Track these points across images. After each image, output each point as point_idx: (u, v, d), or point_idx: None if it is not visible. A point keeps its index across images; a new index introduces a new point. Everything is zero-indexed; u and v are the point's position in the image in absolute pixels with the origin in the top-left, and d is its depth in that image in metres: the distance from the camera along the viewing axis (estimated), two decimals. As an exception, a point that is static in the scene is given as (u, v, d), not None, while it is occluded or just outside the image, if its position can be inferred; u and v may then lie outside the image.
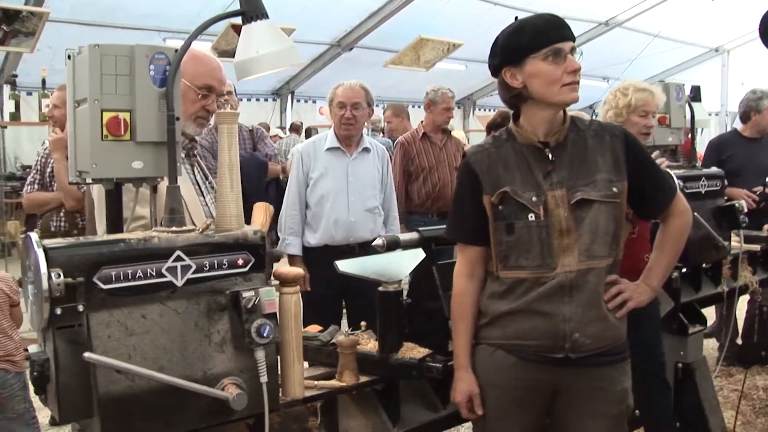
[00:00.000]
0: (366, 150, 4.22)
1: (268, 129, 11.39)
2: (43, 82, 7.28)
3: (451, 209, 2.40)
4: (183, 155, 2.51)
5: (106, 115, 1.76)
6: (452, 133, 5.77)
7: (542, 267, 2.14)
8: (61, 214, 4.19)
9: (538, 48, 2.11)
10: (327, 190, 4.12)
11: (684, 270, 3.54)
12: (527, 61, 2.13)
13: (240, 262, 1.79)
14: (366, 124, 4.57)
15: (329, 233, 4.09)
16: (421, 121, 5.59)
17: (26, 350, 1.85)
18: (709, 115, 14.87)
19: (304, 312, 4.19)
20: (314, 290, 4.07)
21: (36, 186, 4.30)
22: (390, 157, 4.71)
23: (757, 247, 3.99)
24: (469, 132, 14.25)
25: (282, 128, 12.58)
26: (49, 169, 4.24)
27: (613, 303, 2.19)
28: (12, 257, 7.66)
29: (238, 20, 2.04)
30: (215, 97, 2.46)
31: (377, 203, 4.21)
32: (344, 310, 4.34)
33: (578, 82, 2.13)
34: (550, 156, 2.18)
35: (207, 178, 2.62)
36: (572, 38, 2.15)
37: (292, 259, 4.17)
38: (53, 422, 3.77)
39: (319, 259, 4.03)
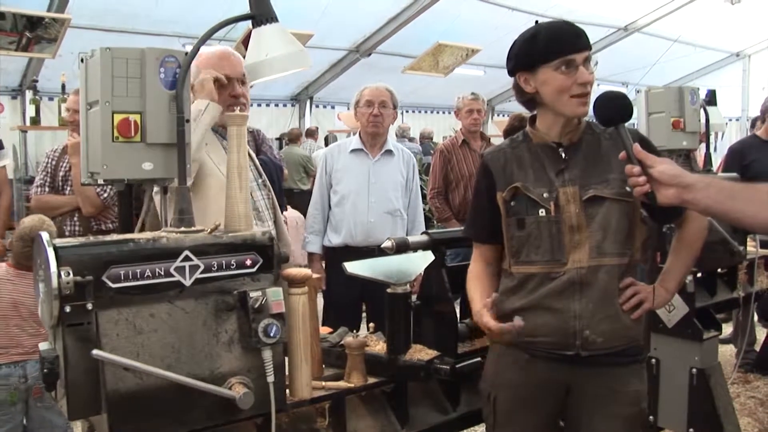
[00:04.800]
0: (389, 153, 4.28)
1: (300, 136, 11.45)
2: (63, 87, 7.37)
3: (469, 208, 2.44)
4: None
5: (117, 117, 1.79)
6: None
7: (552, 262, 2.16)
8: (75, 218, 4.14)
9: (551, 58, 2.12)
10: (348, 190, 4.19)
11: (699, 275, 3.52)
12: (540, 69, 2.15)
13: (248, 262, 1.80)
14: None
15: (349, 234, 4.15)
16: (459, 129, 5.60)
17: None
18: (730, 120, 14.81)
19: (324, 312, 4.28)
20: (334, 290, 4.14)
21: (46, 189, 4.23)
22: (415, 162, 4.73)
23: (773, 252, 3.95)
24: (491, 137, 14.21)
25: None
26: (61, 173, 4.19)
27: (628, 304, 2.19)
28: (32, 260, 7.73)
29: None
30: (235, 81, 2.55)
31: (399, 206, 4.25)
32: (363, 314, 4.37)
33: (588, 94, 2.14)
34: (563, 155, 2.21)
35: (261, 176, 2.79)
36: (587, 48, 2.16)
37: (311, 257, 4.29)
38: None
39: (339, 260, 4.05)
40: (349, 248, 4.12)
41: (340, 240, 4.19)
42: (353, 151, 4.25)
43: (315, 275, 4.09)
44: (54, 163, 4.24)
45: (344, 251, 4.10)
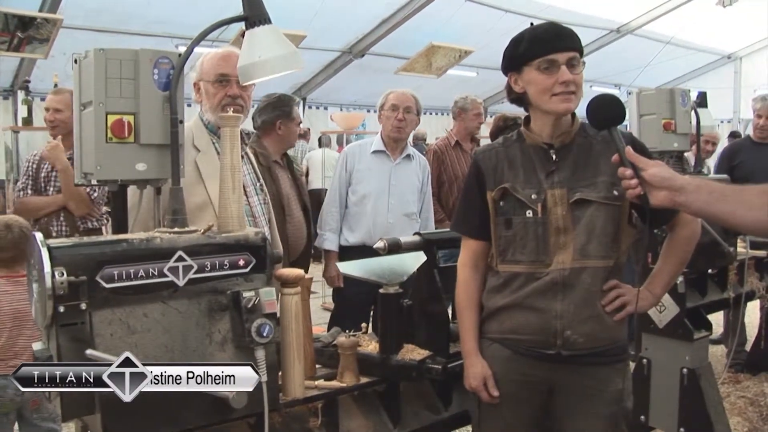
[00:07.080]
0: (409, 157, 4.35)
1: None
2: (55, 87, 7.34)
3: (458, 204, 2.46)
4: None
5: (111, 118, 1.80)
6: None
7: (537, 262, 2.19)
8: (61, 218, 4.11)
9: (533, 58, 2.16)
10: (369, 190, 4.23)
11: (690, 275, 3.53)
12: (524, 69, 2.20)
13: (241, 262, 1.81)
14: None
15: (368, 233, 4.18)
16: (450, 130, 5.60)
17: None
18: (722, 122, 14.87)
19: (336, 309, 4.25)
20: (347, 289, 4.17)
21: (29, 191, 4.20)
22: None
23: (763, 253, 3.99)
24: (481, 138, 14.23)
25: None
26: (43, 174, 4.16)
27: (611, 306, 2.21)
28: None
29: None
30: (235, 82, 2.55)
31: (415, 210, 4.33)
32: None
33: (572, 93, 2.16)
34: (554, 157, 2.23)
35: (259, 180, 2.78)
36: (573, 48, 2.17)
37: (328, 254, 4.31)
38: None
39: (355, 258, 4.09)
40: (366, 247, 4.06)
41: (356, 239, 4.22)
42: (375, 152, 4.29)
43: (333, 272, 4.15)
44: (35, 166, 4.22)
45: (360, 250, 4.07)
